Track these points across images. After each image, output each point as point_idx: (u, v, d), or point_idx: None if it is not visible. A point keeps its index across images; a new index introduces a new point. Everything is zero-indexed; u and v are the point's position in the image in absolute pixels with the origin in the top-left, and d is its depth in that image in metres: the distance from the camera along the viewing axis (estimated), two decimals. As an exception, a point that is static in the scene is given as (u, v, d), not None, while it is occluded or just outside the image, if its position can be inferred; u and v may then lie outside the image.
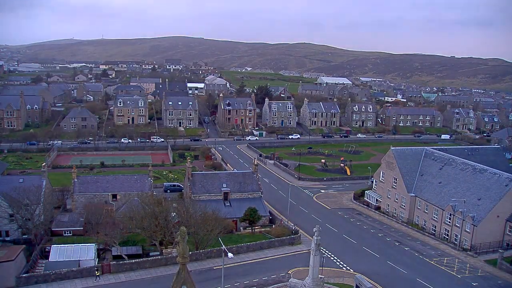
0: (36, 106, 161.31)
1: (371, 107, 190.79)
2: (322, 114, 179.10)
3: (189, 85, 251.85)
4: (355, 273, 54.63)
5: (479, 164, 73.31)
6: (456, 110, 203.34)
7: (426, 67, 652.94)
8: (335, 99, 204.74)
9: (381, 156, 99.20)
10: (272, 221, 74.03)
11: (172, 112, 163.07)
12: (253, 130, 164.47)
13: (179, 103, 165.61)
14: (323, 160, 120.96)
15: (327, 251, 62.29)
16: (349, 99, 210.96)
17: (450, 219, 68.38)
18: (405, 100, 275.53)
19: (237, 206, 72.19)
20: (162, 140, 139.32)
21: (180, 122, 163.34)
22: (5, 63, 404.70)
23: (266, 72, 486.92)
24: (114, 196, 72.51)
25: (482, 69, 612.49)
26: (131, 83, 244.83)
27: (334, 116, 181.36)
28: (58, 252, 54.83)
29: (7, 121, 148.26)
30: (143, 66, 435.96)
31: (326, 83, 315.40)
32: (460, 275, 56.54)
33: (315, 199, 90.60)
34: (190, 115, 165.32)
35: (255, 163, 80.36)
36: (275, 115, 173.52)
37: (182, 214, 60.97)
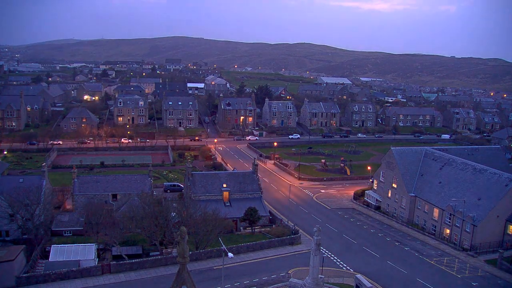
0: (36, 106, 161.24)
1: (371, 107, 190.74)
2: (322, 114, 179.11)
3: (189, 85, 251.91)
4: (355, 273, 54.60)
5: (479, 164, 73.30)
6: (456, 110, 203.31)
7: (426, 67, 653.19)
8: (335, 99, 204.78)
9: (381, 156, 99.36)
10: (272, 221, 74.01)
11: (172, 112, 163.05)
12: (253, 130, 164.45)
13: (179, 103, 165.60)
14: (323, 160, 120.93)
15: (327, 251, 62.33)
16: (349, 99, 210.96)
17: (450, 219, 68.38)
18: (405, 100, 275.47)
19: (237, 206, 72.16)
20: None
21: (180, 122, 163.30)
22: (5, 63, 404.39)
23: (266, 72, 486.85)
24: (114, 196, 72.50)
25: (482, 69, 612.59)
26: (131, 83, 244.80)
27: (334, 116, 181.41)
28: (58, 252, 54.82)
29: (7, 121, 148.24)
30: (143, 66, 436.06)
31: (326, 83, 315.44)
32: (460, 275, 56.56)
33: (315, 199, 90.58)
34: (190, 115, 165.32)
35: (255, 163, 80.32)
36: (275, 115, 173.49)
37: (182, 214, 60.99)
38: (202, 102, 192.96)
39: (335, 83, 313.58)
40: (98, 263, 55.54)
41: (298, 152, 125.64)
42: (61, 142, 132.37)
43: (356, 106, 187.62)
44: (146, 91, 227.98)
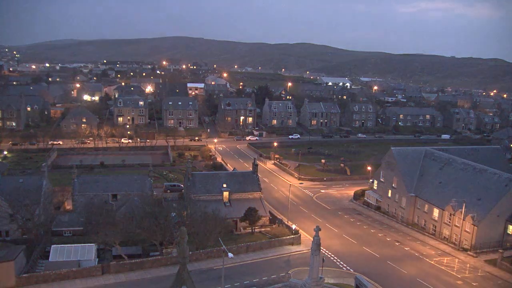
0: (36, 106, 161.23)
1: (371, 107, 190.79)
2: (322, 114, 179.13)
3: (189, 85, 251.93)
4: (355, 273, 54.64)
5: (479, 164, 73.28)
6: (456, 110, 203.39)
7: (426, 67, 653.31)
8: (335, 99, 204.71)
9: (381, 156, 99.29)
10: (272, 221, 73.99)
11: (172, 112, 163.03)
12: (253, 130, 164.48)
13: (179, 103, 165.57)
14: (323, 161, 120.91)
15: (327, 251, 62.32)
16: (349, 99, 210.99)
17: (450, 219, 68.37)
18: (405, 100, 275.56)
19: (237, 206, 72.14)
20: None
21: (180, 122, 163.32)
22: (5, 63, 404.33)
23: (266, 72, 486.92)
24: (114, 196, 72.44)
25: (482, 69, 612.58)
26: (131, 83, 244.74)
27: (334, 116, 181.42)
28: (58, 252, 54.75)
29: (7, 121, 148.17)
30: (143, 66, 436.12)
31: (326, 83, 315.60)
32: (460, 275, 56.55)
33: (315, 199, 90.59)
34: (190, 115, 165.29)
35: (255, 163, 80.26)
36: (275, 115, 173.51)
37: (182, 214, 60.94)
38: (202, 102, 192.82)
39: (335, 83, 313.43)
40: (98, 263, 55.49)
41: (298, 152, 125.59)
42: (61, 142, 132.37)
43: (356, 106, 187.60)
44: (146, 91, 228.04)
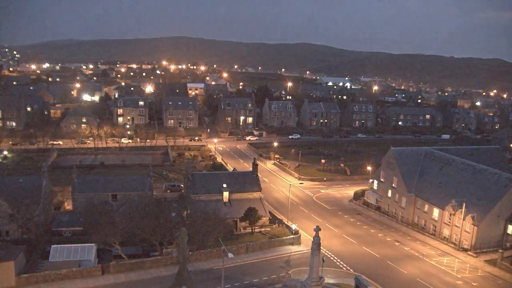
0: (36, 106, 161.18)
1: (371, 107, 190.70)
2: (322, 114, 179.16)
3: (189, 85, 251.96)
4: (355, 273, 54.64)
5: (479, 164, 73.27)
6: (456, 110, 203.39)
7: (426, 67, 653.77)
8: (335, 99, 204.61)
9: (381, 156, 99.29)
10: (272, 221, 73.99)
11: (172, 112, 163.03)
12: (253, 130, 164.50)
13: (179, 103, 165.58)
14: (323, 161, 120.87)
15: (327, 251, 62.33)
16: (349, 99, 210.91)
17: (450, 219, 68.38)
18: (405, 100, 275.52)
19: (237, 206, 72.12)
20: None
21: (180, 122, 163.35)
22: (5, 63, 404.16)
23: (266, 72, 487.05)
24: (114, 196, 72.45)
25: (482, 69, 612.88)
26: (131, 83, 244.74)
27: (334, 116, 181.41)
28: (58, 252, 54.77)
29: (7, 121, 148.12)
30: (143, 66, 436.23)
31: (326, 83, 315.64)
32: (460, 275, 56.56)
33: (315, 199, 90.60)
34: (190, 115, 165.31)
35: (255, 163, 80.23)
36: (275, 115, 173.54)
37: (182, 214, 60.92)
38: (202, 102, 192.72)
39: (335, 83, 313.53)
40: (98, 263, 55.52)
41: (298, 152, 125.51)
42: (61, 142, 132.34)
43: (356, 106, 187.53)
44: (146, 91, 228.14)
